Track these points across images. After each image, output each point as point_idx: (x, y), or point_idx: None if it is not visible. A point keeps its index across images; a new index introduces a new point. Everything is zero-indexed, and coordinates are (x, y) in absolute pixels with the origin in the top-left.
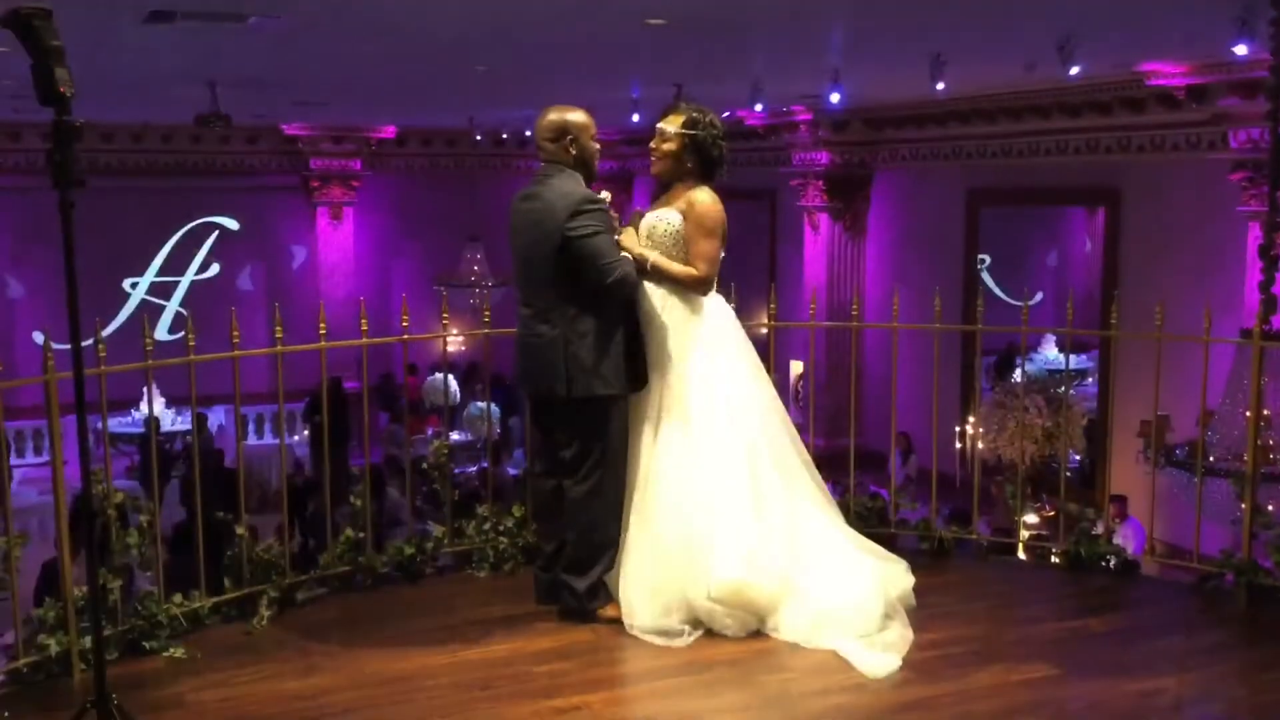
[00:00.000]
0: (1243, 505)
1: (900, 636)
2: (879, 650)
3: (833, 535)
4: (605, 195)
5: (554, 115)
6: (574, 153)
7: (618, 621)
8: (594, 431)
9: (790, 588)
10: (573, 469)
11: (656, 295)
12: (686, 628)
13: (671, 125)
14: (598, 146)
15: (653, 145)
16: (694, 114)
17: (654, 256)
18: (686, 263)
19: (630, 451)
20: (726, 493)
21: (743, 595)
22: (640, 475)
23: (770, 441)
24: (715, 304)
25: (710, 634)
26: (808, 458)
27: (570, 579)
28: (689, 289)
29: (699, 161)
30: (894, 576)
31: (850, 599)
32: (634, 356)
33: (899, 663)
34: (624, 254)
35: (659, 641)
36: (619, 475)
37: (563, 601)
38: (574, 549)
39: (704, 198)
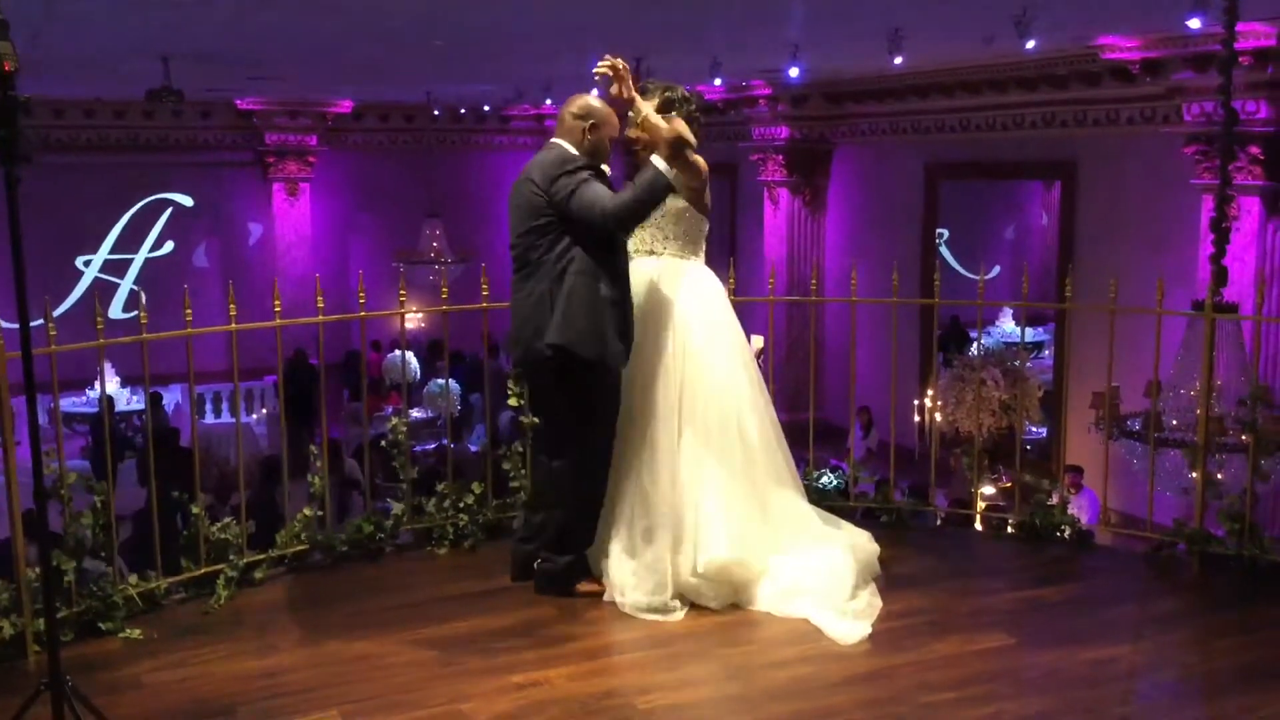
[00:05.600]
0: (1193, 474)
1: (869, 604)
2: (850, 618)
3: (804, 506)
4: None
5: (589, 99)
6: (590, 139)
7: (593, 596)
8: (581, 397)
9: (769, 561)
10: (553, 435)
11: (652, 271)
12: (677, 603)
13: (647, 109)
14: (610, 146)
15: (633, 134)
16: (667, 94)
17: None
18: (692, 244)
19: (622, 429)
20: (717, 470)
21: (729, 572)
22: (632, 453)
23: (757, 418)
24: (709, 280)
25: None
26: (780, 431)
27: (555, 556)
28: (666, 144)
29: None
30: (861, 546)
31: (823, 568)
32: (618, 322)
33: (869, 630)
34: (605, 193)
35: (654, 618)
36: (605, 449)
37: (542, 577)
38: (561, 526)
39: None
